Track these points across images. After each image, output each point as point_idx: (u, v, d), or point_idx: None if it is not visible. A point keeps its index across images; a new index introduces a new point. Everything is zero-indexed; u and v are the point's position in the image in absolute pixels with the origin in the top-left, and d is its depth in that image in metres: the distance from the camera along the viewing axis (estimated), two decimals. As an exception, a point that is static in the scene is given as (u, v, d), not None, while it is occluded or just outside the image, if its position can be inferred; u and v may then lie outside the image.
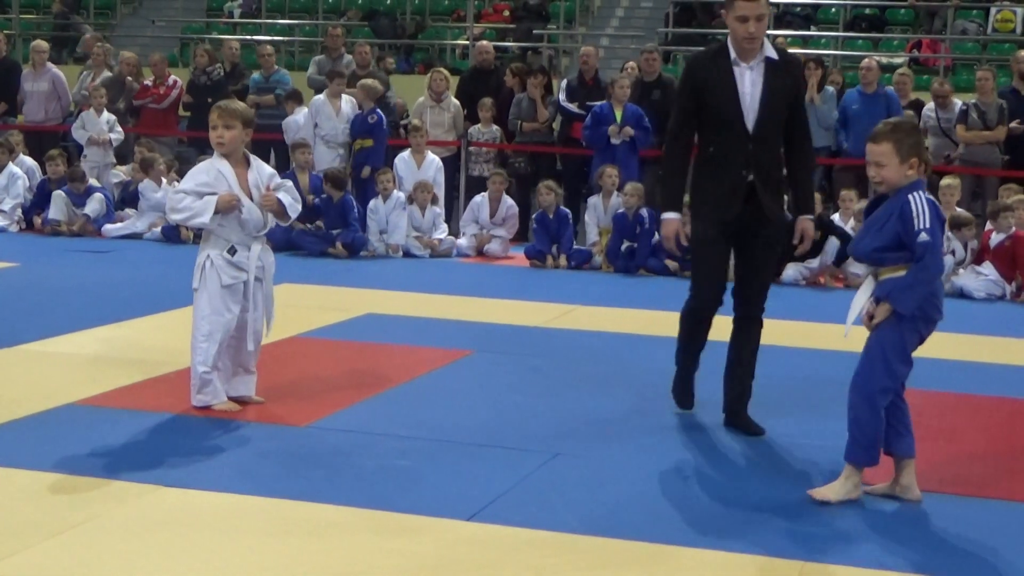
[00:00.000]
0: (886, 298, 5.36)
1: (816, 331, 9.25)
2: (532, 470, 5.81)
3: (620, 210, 12.60)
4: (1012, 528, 5.30)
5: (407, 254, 13.10)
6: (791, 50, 17.93)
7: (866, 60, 14.24)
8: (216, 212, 6.56)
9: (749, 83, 6.33)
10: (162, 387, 7.18)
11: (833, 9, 20.92)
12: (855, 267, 11.21)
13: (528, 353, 8.46)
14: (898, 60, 18.65)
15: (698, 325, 6.71)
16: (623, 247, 12.47)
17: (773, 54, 6.38)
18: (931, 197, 5.46)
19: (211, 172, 6.71)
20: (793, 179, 6.60)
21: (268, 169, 6.95)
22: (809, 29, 20.57)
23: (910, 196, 5.37)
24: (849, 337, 5.63)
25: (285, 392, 7.15)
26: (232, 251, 6.67)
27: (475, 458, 5.99)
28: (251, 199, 6.70)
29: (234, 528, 4.95)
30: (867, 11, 20.82)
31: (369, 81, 14.57)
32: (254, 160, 6.86)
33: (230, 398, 6.74)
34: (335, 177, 13.21)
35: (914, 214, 5.31)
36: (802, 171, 6.63)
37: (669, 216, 6.70)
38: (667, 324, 9.66)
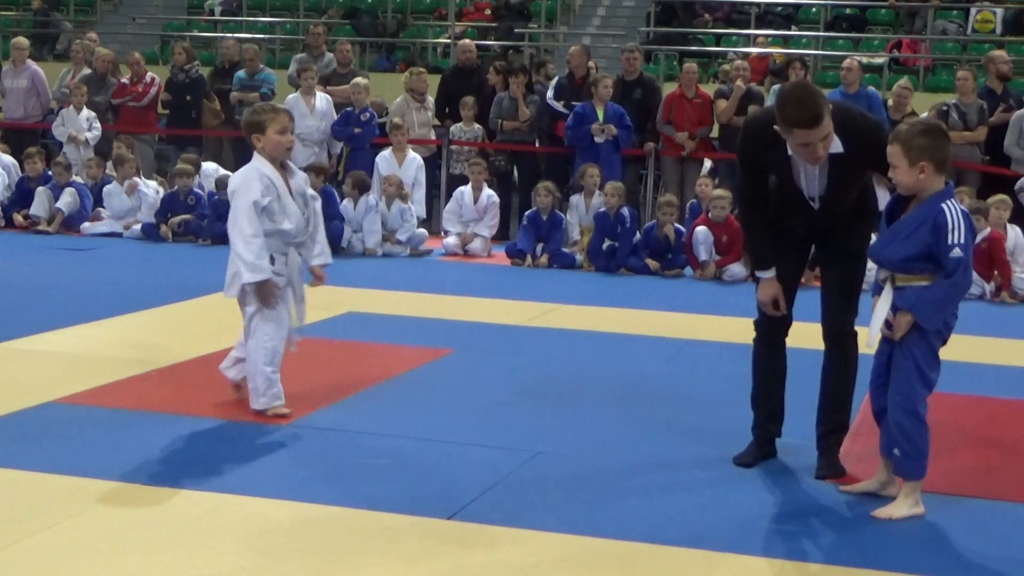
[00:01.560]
0: (910, 310, 5.24)
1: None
2: (513, 469, 5.81)
3: (601, 209, 12.60)
4: (993, 527, 5.31)
5: (386, 253, 13.07)
6: (772, 50, 18.04)
7: (847, 60, 14.26)
8: (252, 283, 6.42)
9: (809, 172, 5.71)
10: (142, 385, 7.17)
11: (814, 9, 20.97)
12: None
13: (509, 352, 8.47)
14: (879, 60, 18.72)
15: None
16: (604, 246, 12.47)
17: (838, 147, 5.56)
18: (965, 208, 5.32)
19: (263, 180, 6.46)
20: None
21: (301, 174, 6.81)
22: (790, 29, 20.61)
23: (944, 206, 5.18)
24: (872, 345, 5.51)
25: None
26: (272, 260, 6.50)
27: (456, 457, 5.99)
28: (294, 204, 6.55)
29: (214, 527, 4.94)
30: (848, 11, 20.88)
31: (362, 80, 14.56)
32: (289, 164, 6.70)
33: (256, 411, 6.56)
34: (320, 168, 13.23)
35: (949, 227, 5.13)
36: None
37: (765, 276, 5.95)
38: (648, 323, 9.73)
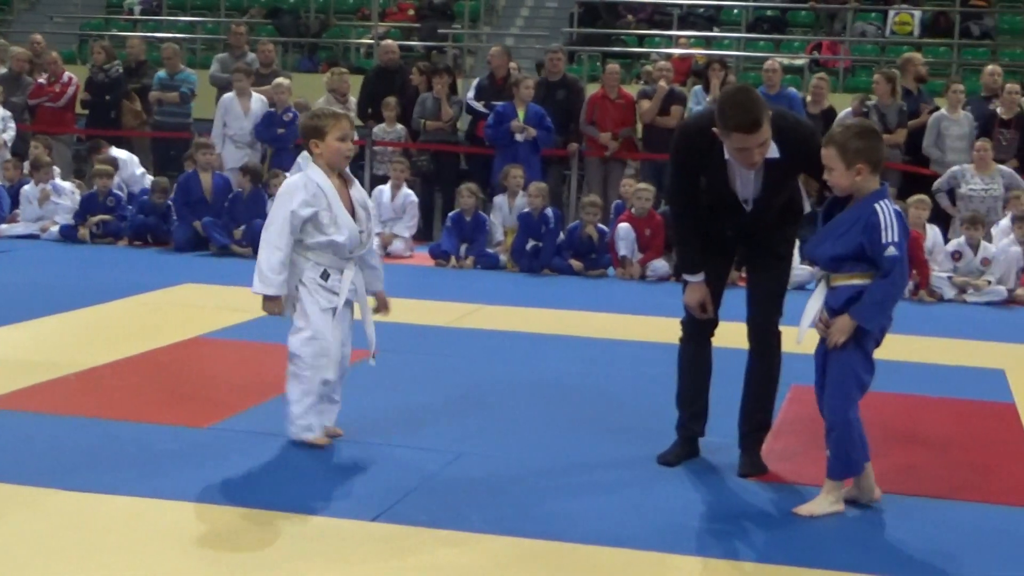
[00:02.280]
0: (850, 313, 5.23)
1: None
2: (436, 470, 5.79)
3: (525, 210, 12.61)
4: (917, 523, 5.36)
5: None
6: (694, 51, 18.15)
7: (769, 61, 14.38)
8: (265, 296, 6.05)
9: (744, 176, 5.71)
10: (62, 389, 7.06)
11: (735, 11, 21.12)
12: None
13: (433, 353, 8.44)
14: (799, 61, 18.90)
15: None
16: (528, 246, 12.48)
17: (774, 153, 5.59)
18: (898, 208, 5.33)
19: (310, 187, 6.00)
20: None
21: (358, 184, 6.33)
22: (712, 30, 20.75)
23: (877, 206, 5.20)
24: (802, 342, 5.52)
25: (186, 393, 7.08)
26: (325, 275, 6.07)
27: (379, 458, 5.96)
28: (352, 216, 6.10)
29: (133, 531, 4.87)
30: (769, 13, 21.04)
31: (285, 80, 14.47)
32: (347, 173, 6.22)
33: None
34: (254, 170, 13.15)
35: (882, 226, 5.15)
36: None
37: (693, 280, 5.95)
38: (572, 323, 9.74)
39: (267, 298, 6.05)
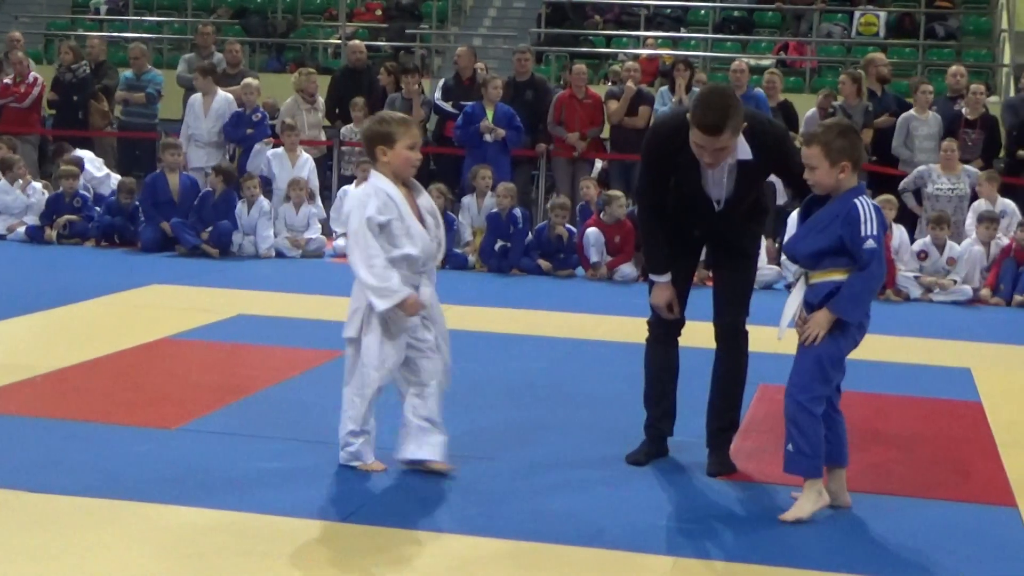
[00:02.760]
0: (827, 307, 5.23)
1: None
2: (406, 470, 5.78)
3: (494, 210, 12.62)
4: (884, 521, 5.39)
5: (279, 254, 12.98)
6: (661, 51, 18.19)
7: (736, 62, 14.44)
8: (392, 306, 5.56)
9: (715, 177, 5.74)
10: (27, 391, 7.02)
11: (703, 11, 21.19)
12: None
13: (402, 353, 8.43)
14: (766, 62, 18.97)
15: None
16: (496, 247, 12.49)
17: (747, 154, 5.64)
18: (876, 203, 5.37)
19: (380, 196, 5.63)
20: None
21: (425, 192, 5.98)
22: (679, 31, 20.82)
23: (856, 201, 5.24)
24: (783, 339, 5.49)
25: (155, 395, 7.05)
26: None
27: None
28: (423, 225, 5.74)
29: (101, 533, 4.85)
30: (736, 13, 21.12)
31: (254, 80, 14.43)
32: (413, 181, 5.87)
33: (410, 460, 5.75)
34: (227, 171, 13.11)
35: (861, 220, 5.18)
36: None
37: (660, 280, 5.96)
38: (540, 323, 9.75)
39: (401, 306, 5.56)
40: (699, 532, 5.19)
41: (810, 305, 5.35)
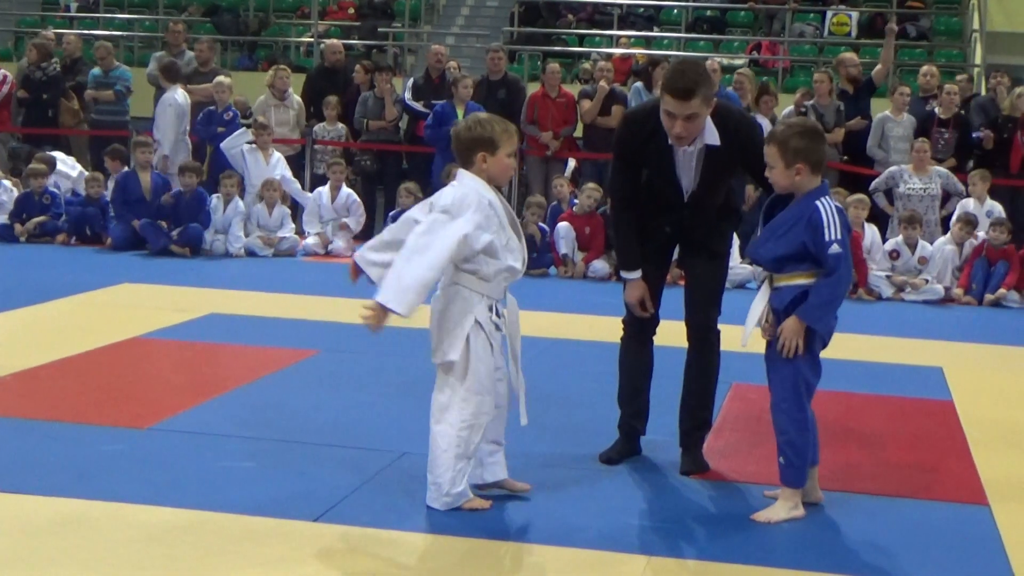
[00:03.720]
0: (797, 315, 5.16)
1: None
2: (379, 470, 5.77)
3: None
4: (855, 520, 5.40)
5: (250, 253, 12.93)
6: (634, 51, 18.20)
7: (708, 62, 14.44)
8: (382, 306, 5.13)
9: (685, 163, 5.74)
10: (-3, 390, 6.99)
11: (675, 11, 21.23)
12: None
13: (374, 352, 8.40)
14: (738, 62, 19.01)
15: None
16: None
17: (715, 140, 5.63)
18: (839, 204, 5.28)
19: (483, 207, 5.19)
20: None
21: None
22: (652, 30, 20.85)
23: (818, 203, 5.16)
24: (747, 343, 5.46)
25: (127, 394, 7.02)
26: (493, 311, 5.32)
27: (321, 458, 5.93)
28: (515, 236, 5.35)
29: (73, 534, 4.82)
30: (708, 13, 21.17)
31: (226, 79, 14.36)
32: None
33: (484, 486, 5.45)
34: (196, 169, 13.07)
35: (824, 224, 5.10)
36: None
37: (631, 276, 5.93)
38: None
39: (382, 312, 5.11)
40: (673, 531, 5.19)
41: (775, 310, 5.31)
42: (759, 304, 5.38)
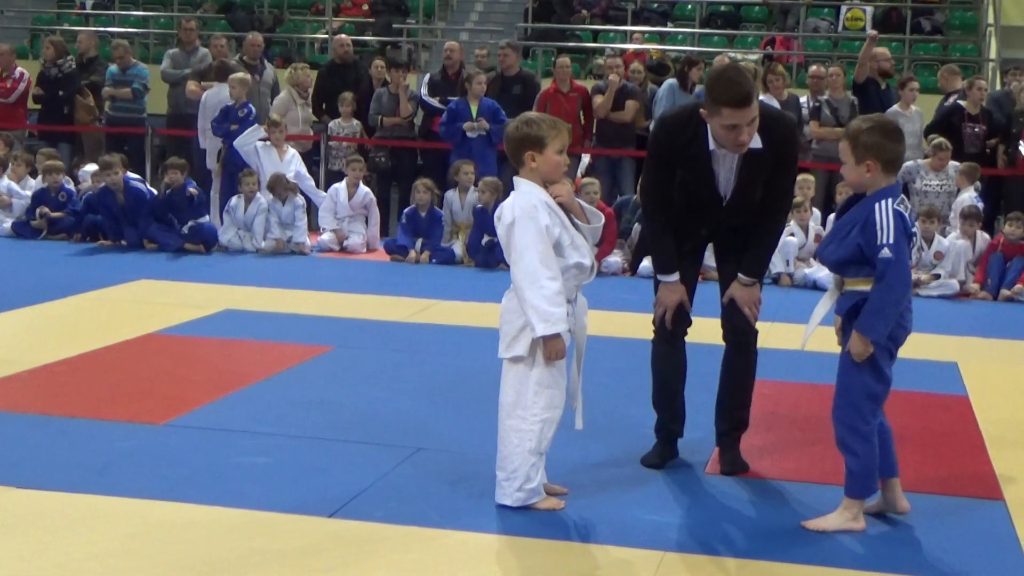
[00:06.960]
0: (855, 328, 4.99)
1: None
2: (394, 465, 5.79)
3: (479, 205, 12.61)
4: (908, 518, 5.40)
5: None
6: (648, 46, 18.19)
7: (721, 57, 14.42)
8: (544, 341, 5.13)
9: (727, 168, 5.64)
10: (13, 386, 7.01)
11: (690, 6, 21.19)
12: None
13: (389, 348, 8.43)
14: (753, 57, 18.98)
15: None
16: (483, 241, 12.48)
17: (758, 143, 5.50)
18: (900, 209, 4.97)
19: (546, 209, 5.17)
20: (750, 237, 5.80)
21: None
22: (666, 25, 20.81)
23: (876, 205, 4.94)
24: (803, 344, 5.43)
25: (142, 390, 7.04)
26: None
27: (336, 454, 5.95)
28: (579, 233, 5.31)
29: (90, 529, 4.84)
30: (722, 8, 21.14)
31: (242, 74, 14.36)
32: None
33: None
34: (181, 166, 13.04)
35: (878, 227, 4.89)
36: (762, 232, 5.81)
37: (668, 279, 5.85)
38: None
39: (549, 339, 5.11)
40: (712, 531, 5.18)
41: (839, 314, 5.16)
42: (822, 308, 5.25)
